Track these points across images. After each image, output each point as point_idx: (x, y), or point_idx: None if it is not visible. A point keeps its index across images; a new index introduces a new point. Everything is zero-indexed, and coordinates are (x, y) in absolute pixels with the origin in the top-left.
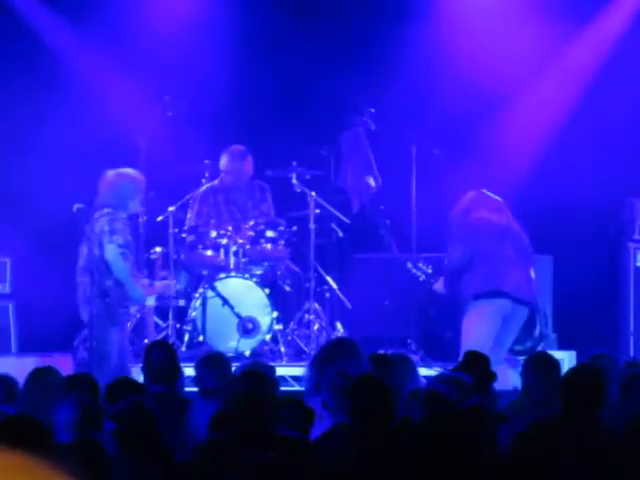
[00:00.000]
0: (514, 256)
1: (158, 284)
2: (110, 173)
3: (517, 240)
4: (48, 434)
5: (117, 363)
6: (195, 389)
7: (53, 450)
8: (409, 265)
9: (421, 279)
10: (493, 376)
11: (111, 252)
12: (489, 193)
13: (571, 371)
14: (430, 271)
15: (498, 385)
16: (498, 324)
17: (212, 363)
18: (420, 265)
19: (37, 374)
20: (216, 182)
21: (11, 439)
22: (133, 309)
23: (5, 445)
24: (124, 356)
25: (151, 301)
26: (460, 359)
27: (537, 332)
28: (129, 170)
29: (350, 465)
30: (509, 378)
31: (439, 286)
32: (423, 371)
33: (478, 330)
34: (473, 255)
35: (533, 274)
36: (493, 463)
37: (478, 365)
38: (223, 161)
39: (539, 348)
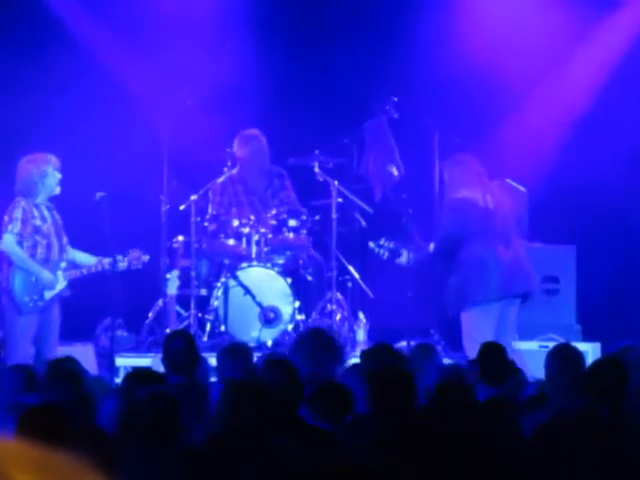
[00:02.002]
0: (500, 242)
1: (106, 260)
2: (21, 161)
3: (504, 221)
4: (71, 423)
5: (32, 351)
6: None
7: (76, 439)
8: (371, 245)
9: (385, 257)
10: (511, 366)
11: (5, 241)
12: (512, 182)
13: (597, 362)
14: (392, 246)
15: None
16: (493, 326)
17: (233, 353)
18: (382, 242)
19: (56, 364)
20: (234, 171)
21: (35, 429)
22: (49, 294)
23: (29, 435)
24: (44, 343)
25: (172, 290)
26: (479, 350)
27: None
28: (36, 155)
29: (370, 456)
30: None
31: (404, 259)
32: (446, 362)
33: (475, 341)
34: (460, 236)
35: (523, 253)
36: (515, 454)
37: (495, 356)
38: (237, 147)
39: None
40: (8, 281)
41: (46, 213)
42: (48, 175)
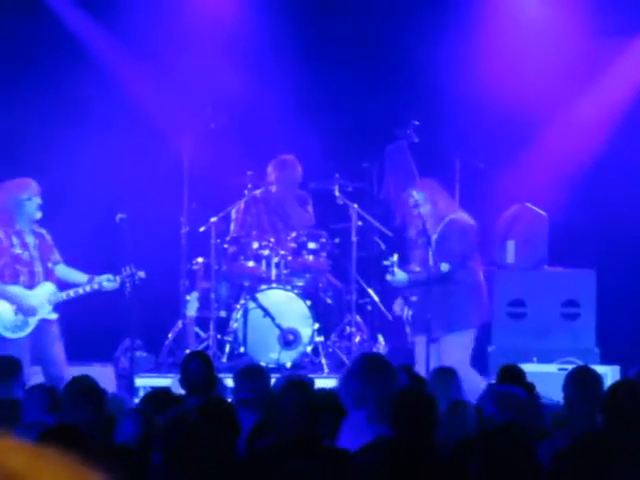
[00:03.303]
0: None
1: (98, 279)
2: None
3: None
4: (90, 443)
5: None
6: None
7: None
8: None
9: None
10: (531, 389)
11: None
12: (532, 206)
13: (614, 385)
14: (389, 263)
15: None
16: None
17: (249, 375)
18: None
19: (74, 383)
20: (258, 192)
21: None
22: (33, 319)
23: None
24: (48, 365)
25: (192, 312)
26: (497, 374)
27: None
28: (12, 182)
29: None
30: None
31: (399, 278)
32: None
33: (461, 363)
34: (467, 257)
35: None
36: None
37: (515, 380)
38: (271, 170)
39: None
40: None
41: (29, 239)
42: (24, 202)
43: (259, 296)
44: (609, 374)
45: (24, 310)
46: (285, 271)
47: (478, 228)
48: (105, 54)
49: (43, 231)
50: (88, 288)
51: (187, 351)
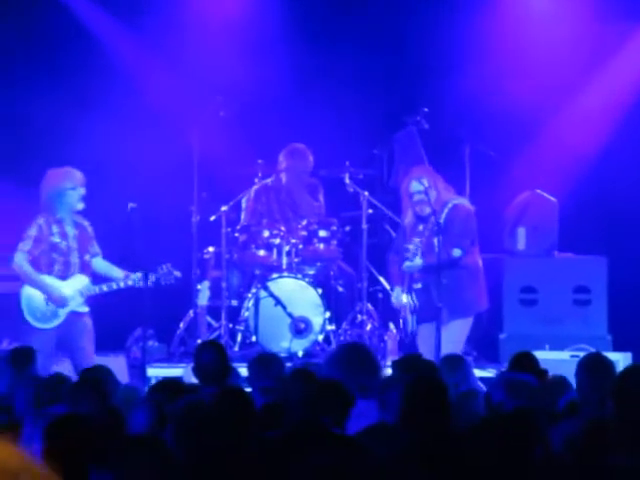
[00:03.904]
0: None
1: (134, 276)
2: (44, 177)
3: None
4: (98, 433)
5: (67, 365)
6: (249, 389)
7: (102, 449)
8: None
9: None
10: (544, 376)
11: (14, 260)
12: (543, 193)
13: (624, 371)
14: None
15: None
16: None
17: (265, 363)
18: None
19: (85, 374)
20: (269, 181)
21: (60, 439)
22: (63, 311)
23: (55, 445)
24: (76, 356)
25: (203, 301)
26: (510, 360)
27: None
28: (57, 171)
29: (397, 466)
30: None
31: (416, 264)
32: (477, 372)
33: (455, 349)
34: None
35: None
36: (545, 465)
37: (528, 366)
38: (282, 159)
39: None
40: (18, 300)
41: (68, 229)
42: (66, 191)
43: (270, 285)
44: (621, 361)
45: (55, 300)
46: (296, 259)
47: (489, 215)
48: (115, 44)
49: (85, 223)
50: (122, 284)
51: (199, 340)
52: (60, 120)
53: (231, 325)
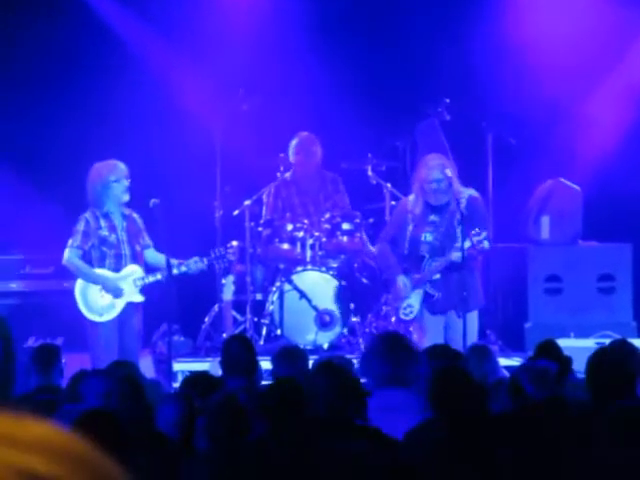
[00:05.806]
0: None
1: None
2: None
3: None
4: (125, 428)
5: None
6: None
7: (133, 446)
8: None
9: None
10: (569, 364)
11: (65, 256)
12: (567, 182)
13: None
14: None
15: None
16: None
17: (288, 356)
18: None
19: (113, 369)
20: (287, 175)
21: (87, 435)
22: (120, 302)
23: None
24: (124, 351)
25: (228, 295)
26: (534, 350)
27: None
28: (101, 164)
29: (431, 460)
30: None
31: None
32: (503, 361)
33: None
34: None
35: None
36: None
37: (554, 354)
38: (291, 155)
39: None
40: (74, 295)
41: (117, 222)
42: (111, 184)
43: (295, 278)
44: None
45: (110, 291)
46: (320, 252)
47: (512, 204)
48: (137, 40)
49: (134, 214)
50: (176, 271)
51: (224, 335)
52: (82, 116)
53: (256, 319)
